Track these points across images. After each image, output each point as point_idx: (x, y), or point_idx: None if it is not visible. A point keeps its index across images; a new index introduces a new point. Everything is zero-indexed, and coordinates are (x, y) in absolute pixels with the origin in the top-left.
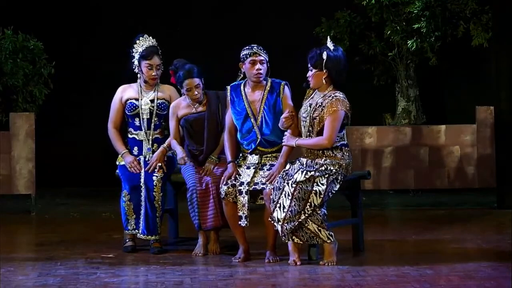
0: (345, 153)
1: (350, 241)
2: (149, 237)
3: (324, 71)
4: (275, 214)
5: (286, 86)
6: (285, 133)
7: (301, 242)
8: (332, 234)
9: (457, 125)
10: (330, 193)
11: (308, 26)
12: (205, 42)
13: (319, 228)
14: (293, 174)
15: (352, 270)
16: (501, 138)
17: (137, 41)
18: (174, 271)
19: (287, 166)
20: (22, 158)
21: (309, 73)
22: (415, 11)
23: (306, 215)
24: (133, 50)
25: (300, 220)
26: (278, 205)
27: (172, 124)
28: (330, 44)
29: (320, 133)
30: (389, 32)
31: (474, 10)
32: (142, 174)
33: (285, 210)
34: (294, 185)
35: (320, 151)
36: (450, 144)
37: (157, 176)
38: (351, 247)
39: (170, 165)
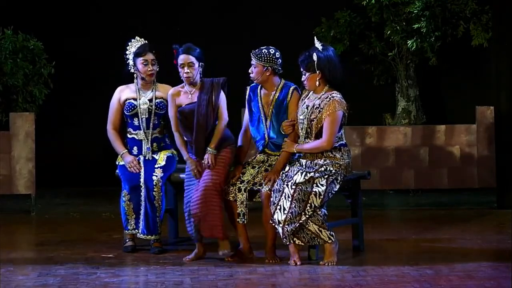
0: (344, 153)
1: (350, 241)
2: (149, 237)
3: (317, 72)
4: (275, 216)
5: (295, 91)
6: (285, 139)
7: (302, 244)
8: (333, 234)
9: (457, 125)
10: (330, 194)
11: (308, 26)
12: (204, 42)
13: (320, 228)
14: (292, 175)
15: (352, 270)
16: (501, 138)
17: (129, 43)
18: (174, 271)
19: (286, 168)
20: (22, 158)
21: (303, 77)
22: (415, 11)
23: (307, 216)
24: (127, 52)
25: (300, 221)
26: (278, 207)
27: (171, 113)
28: (318, 45)
29: (318, 135)
30: (389, 32)
31: (474, 10)
32: (142, 174)
33: (286, 212)
34: (293, 187)
35: (319, 152)
36: (450, 144)
37: (157, 176)
38: (351, 247)
39: (170, 165)
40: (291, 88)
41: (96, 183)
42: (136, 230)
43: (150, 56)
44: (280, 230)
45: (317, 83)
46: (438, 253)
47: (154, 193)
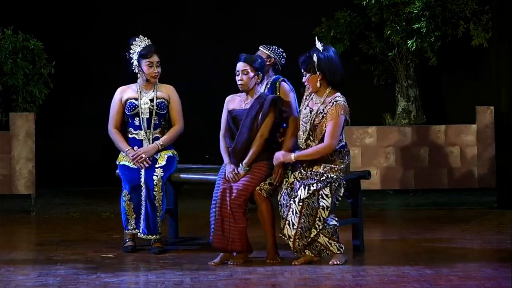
0: (344, 155)
1: (350, 241)
2: (150, 237)
3: (318, 73)
4: (285, 231)
5: (283, 82)
6: (276, 153)
7: (312, 255)
8: (343, 246)
9: (457, 125)
10: (336, 200)
11: (308, 26)
12: (204, 42)
13: (330, 241)
14: (296, 190)
15: (352, 270)
16: (501, 138)
17: (134, 42)
18: (174, 271)
19: (291, 179)
20: (22, 158)
21: (304, 78)
22: (415, 11)
23: (318, 230)
24: (131, 51)
25: (312, 236)
26: (287, 222)
27: (223, 118)
28: (319, 45)
29: (321, 140)
30: (389, 32)
31: (474, 10)
32: (142, 174)
33: (295, 227)
34: (300, 203)
35: (321, 158)
36: (450, 144)
37: (157, 176)
38: (351, 247)
39: (170, 165)
40: (277, 81)
41: (96, 183)
42: (137, 230)
43: (155, 58)
44: (290, 244)
45: (318, 84)
46: (438, 253)
47: (154, 193)
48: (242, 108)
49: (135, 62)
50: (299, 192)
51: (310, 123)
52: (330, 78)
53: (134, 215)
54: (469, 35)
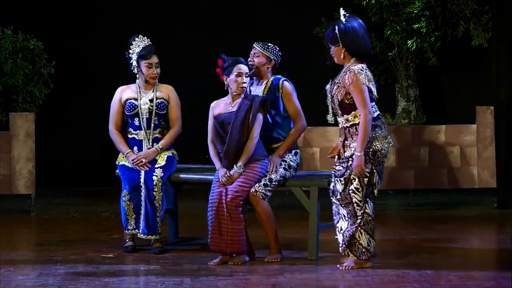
0: (375, 128)
1: None
2: (150, 237)
3: (341, 45)
4: (339, 225)
5: (285, 82)
6: (354, 165)
7: (355, 257)
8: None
9: (457, 125)
10: (373, 177)
11: (308, 26)
12: (204, 42)
13: (370, 239)
14: (335, 185)
15: (352, 270)
16: (501, 138)
17: (133, 42)
18: (174, 271)
19: (331, 185)
20: (22, 158)
21: (331, 50)
22: (415, 11)
23: (359, 220)
24: (130, 51)
25: (356, 225)
26: (342, 216)
27: (209, 125)
28: (342, 17)
29: (341, 109)
30: (389, 32)
31: (474, 10)
32: (142, 174)
33: (346, 219)
34: (339, 198)
35: (348, 135)
36: (450, 144)
37: (157, 176)
38: None
39: (170, 165)
40: (280, 81)
41: (96, 183)
42: (137, 230)
43: (154, 59)
44: (340, 237)
45: (342, 55)
46: (438, 253)
47: (154, 193)
48: (229, 112)
49: (134, 63)
50: (337, 187)
51: (330, 94)
52: (352, 48)
53: (134, 215)
54: (469, 35)
